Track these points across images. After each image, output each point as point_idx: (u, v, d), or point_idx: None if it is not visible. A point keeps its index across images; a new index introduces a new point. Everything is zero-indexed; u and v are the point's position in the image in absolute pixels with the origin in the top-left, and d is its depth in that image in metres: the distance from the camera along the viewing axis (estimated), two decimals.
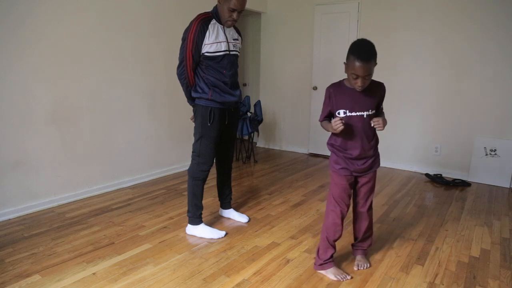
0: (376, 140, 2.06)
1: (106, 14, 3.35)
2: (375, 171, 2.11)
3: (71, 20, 3.09)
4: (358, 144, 1.97)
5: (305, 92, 5.23)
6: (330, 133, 2.04)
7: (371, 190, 2.14)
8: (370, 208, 2.18)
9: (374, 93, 1.96)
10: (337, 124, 1.85)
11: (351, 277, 2.11)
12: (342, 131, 1.88)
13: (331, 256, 2.14)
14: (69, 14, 3.07)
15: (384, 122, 1.91)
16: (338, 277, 2.09)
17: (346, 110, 1.93)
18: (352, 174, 2.04)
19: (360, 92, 1.91)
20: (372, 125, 1.91)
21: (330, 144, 2.08)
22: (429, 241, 2.61)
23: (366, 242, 2.27)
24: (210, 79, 2.46)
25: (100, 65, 3.36)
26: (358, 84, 1.83)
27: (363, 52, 1.78)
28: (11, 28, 2.73)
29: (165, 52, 3.90)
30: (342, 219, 2.10)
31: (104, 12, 3.33)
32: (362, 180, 2.10)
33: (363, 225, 2.20)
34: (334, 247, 2.15)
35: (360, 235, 2.24)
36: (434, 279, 2.12)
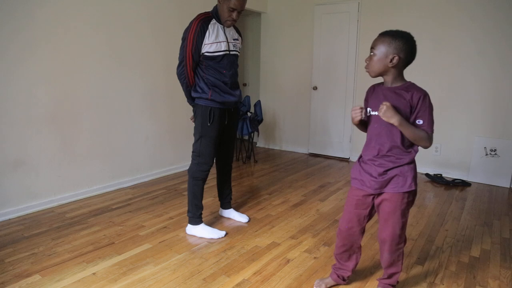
0: (404, 155, 1.67)
1: (106, 15, 3.35)
2: (398, 194, 1.67)
3: (71, 21, 3.09)
4: (373, 144, 1.71)
5: (305, 92, 5.23)
6: None
7: (391, 215, 1.70)
8: (389, 240, 1.74)
9: (402, 98, 1.64)
10: (355, 112, 1.71)
11: None
12: (369, 127, 1.74)
13: (335, 268, 1.99)
14: (69, 16, 3.07)
15: (394, 114, 1.56)
16: (316, 283, 2.00)
17: (371, 108, 1.73)
18: (362, 189, 1.75)
19: (386, 93, 1.68)
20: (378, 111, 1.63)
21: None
22: (429, 241, 2.61)
23: (385, 276, 1.87)
24: (210, 79, 2.46)
25: (100, 65, 3.36)
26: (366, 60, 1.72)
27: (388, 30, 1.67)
28: (12, 30, 2.73)
29: (165, 52, 3.90)
30: (342, 237, 1.86)
31: (104, 13, 3.33)
32: (378, 199, 1.74)
33: (382, 255, 1.82)
34: (338, 261, 1.96)
35: (383, 266, 1.87)
36: (434, 279, 2.12)
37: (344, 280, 1.99)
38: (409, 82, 1.72)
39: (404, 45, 1.62)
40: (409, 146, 1.67)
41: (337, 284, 2.02)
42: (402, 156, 1.67)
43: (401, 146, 1.66)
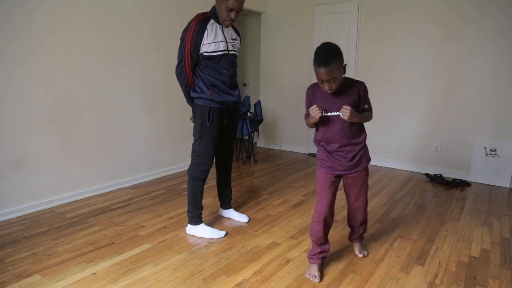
0: (361, 137, 2.06)
1: (106, 15, 3.35)
2: (365, 169, 2.12)
3: (70, 21, 3.09)
4: (337, 139, 2.01)
5: (305, 92, 5.21)
6: (314, 131, 2.14)
7: (362, 187, 2.15)
8: (364, 204, 2.22)
9: (351, 93, 1.98)
10: (314, 111, 1.91)
11: (319, 281, 2.07)
12: (322, 125, 2.00)
13: (315, 254, 2.14)
14: (69, 16, 3.07)
15: (354, 115, 1.90)
16: (308, 275, 2.10)
17: (322, 110, 1.95)
18: (334, 173, 2.06)
19: (335, 93, 1.94)
20: (340, 113, 1.92)
21: (315, 140, 2.13)
22: (429, 241, 2.61)
23: (361, 231, 2.34)
24: (209, 79, 2.46)
25: (100, 65, 3.36)
26: (326, 88, 1.88)
27: (322, 57, 1.81)
28: (12, 30, 2.73)
29: (165, 53, 3.90)
30: (324, 219, 2.07)
31: (103, 13, 3.33)
32: (349, 179, 2.12)
33: (358, 218, 2.27)
34: (319, 246, 2.14)
35: (356, 225, 2.31)
36: (434, 279, 2.12)
37: (324, 261, 2.21)
38: (345, 77, 1.97)
39: (341, 54, 1.86)
40: (361, 130, 2.07)
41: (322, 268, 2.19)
42: (359, 140, 2.05)
43: (356, 134, 2.04)
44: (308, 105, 2.06)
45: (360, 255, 2.34)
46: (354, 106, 1.97)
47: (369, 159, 2.13)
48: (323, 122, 1.99)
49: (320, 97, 2.00)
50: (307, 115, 2.07)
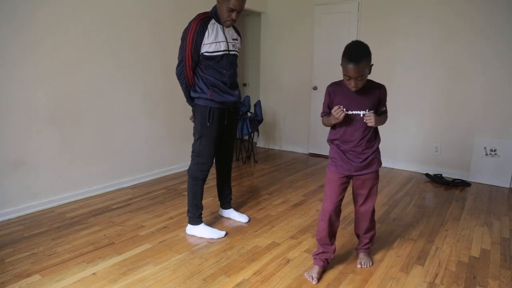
0: (376, 140, 2.06)
1: (106, 15, 3.35)
2: (375, 172, 2.08)
3: (70, 21, 3.09)
4: (354, 138, 1.99)
5: (305, 92, 5.23)
6: (329, 130, 2.12)
7: (370, 191, 2.11)
8: (371, 210, 2.16)
9: (373, 94, 1.98)
10: (337, 112, 1.91)
11: (316, 283, 2.06)
12: (341, 123, 1.96)
13: (318, 254, 2.13)
14: (69, 16, 3.07)
15: (378, 119, 1.94)
16: (307, 275, 2.10)
17: (343, 108, 1.93)
18: (344, 173, 2.04)
19: (358, 92, 1.93)
20: (364, 120, 1.94)
21: (329, 140, 2.12)
22: (429, 241, 2.61)
23: (367, 241, 2.25)
24: (210, 79, 2.46)
25: (100, 65, 3.36)
26: (352, 85, 1.87)
27: (353, 53, 1.80)
28: (12, 30, 2.73)
29: (165, 53, 3.90)
30: (329, 218, 2.05)
31: (103, 13, 3.33)
32: (359, 180, 2.09)
33: (363, 225, 2.21)
34: (322, 246, 2.12)
35: (361, 234, 2.26)
36: (434, 279, 2.12)
37: (328, 263, 2.18)
38: (367, 79, 1.96)
39: (370, 53, 1.85)
40: (376, 133, 2.07)
41: (324, 270, 2.16)
42: (373, 143, 2.05)
43: (372, 136, 2.04)
44: (328, 102, 2.05)
45: (359, 266, 2.23)
46: (374, 107, 1.98)
47: (380, 163, 2.10)
48: (342, 121, 1.95)
49: (341, 95, 1.98)
50: (325, 113, 2.07)
